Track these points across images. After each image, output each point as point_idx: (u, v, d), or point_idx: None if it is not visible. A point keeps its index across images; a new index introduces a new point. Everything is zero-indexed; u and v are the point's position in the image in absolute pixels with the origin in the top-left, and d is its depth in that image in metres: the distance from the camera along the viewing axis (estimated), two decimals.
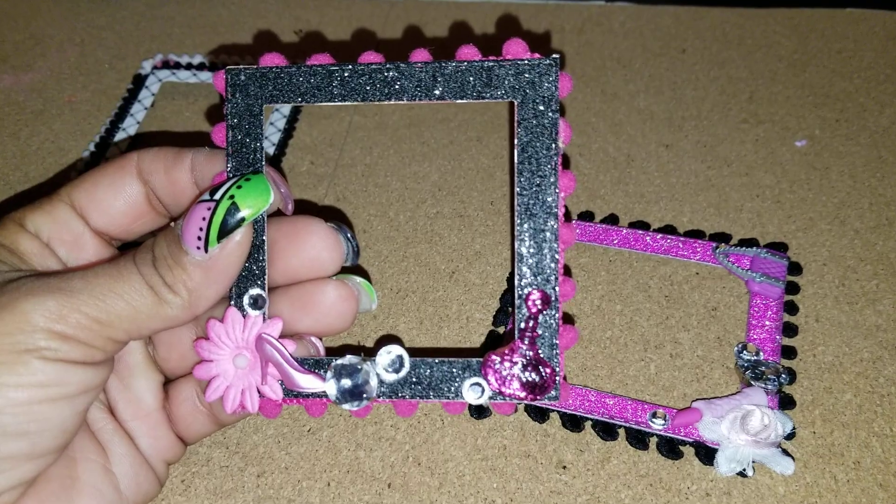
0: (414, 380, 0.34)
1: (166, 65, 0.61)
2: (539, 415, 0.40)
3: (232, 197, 0.32)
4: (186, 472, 0.39)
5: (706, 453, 0.38)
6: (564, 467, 0.39)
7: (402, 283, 0.47)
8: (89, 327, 0.30)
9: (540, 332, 0.33)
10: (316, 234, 0.36)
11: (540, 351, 0.33)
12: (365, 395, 0.34)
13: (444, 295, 0.47)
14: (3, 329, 0.28)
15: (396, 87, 0.34)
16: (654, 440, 0.39)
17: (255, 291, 0.34)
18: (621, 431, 0.40)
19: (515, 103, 0.33)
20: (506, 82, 0.33)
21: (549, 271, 0.33)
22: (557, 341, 0.33)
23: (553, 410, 0.40)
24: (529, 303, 0.33)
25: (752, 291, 0.44)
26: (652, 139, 0.55)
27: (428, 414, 0.41)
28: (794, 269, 0.46)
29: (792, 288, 0.45)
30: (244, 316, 0.34)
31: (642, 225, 0.48)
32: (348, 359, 0.34)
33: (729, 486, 0.38)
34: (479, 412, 0.41)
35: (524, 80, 0.33)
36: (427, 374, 0.34)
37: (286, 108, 0.57)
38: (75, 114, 0.60)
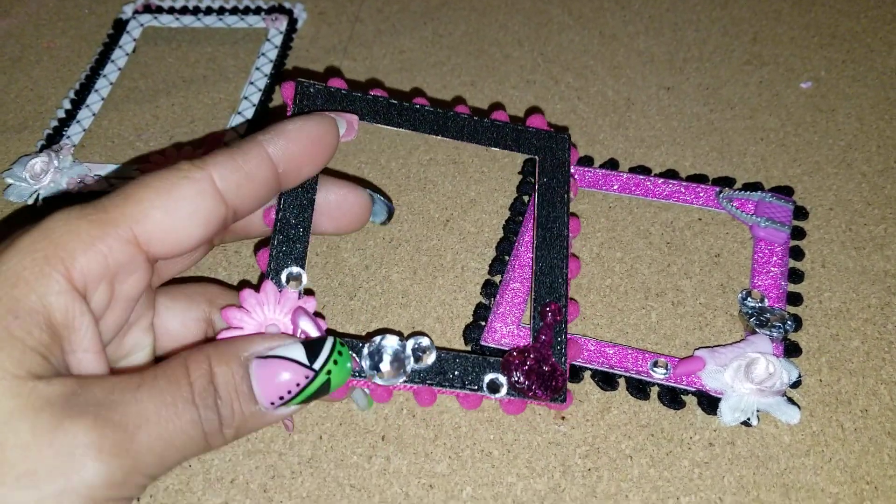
0: (438, 370, 0.36)
1: (148, 9, 0.59)
2: None
3: (329, 372, 0.31)
4: None
5: (709, 403, 0.37)
6: (563, 418, 0.38)
7: (395, 232, 0.46)
8: (141, 485, 0.28)
9: (551, 339, 0.37)
10: (346, 188, 0.38)
11: (553, 356, 0.37)
12: (402, 372, 0.35)
13: (438, 244, 0.45)
14: (59, 485, 0.26)
15: (443, 127, 0.39)
16: (655, 390, 0.38)
17: (294, 269, 0.35)
18: (621, 381, 0.38)
19: (538, 159, 0.41)
20: (531, 143, 0.41)
21: (560, 291, 0.38)
22: (566, 351, 0.37)
23: None
24: (547, 312, 0.37)
25: (756, 237, 0.43)
26: (652, 82, 0.53)
27: None
28: (800, 213, 0.44)
29: (798, 233, 0.43)
30: (280, 290, 0.34)
31: (643, 170, 0.47)
32: (388, 338, 0.35)
33: (733, 436, 0.37)
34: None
35: (545, 145, 0.41)
36: (450, 366, 0.36)
37: (272, 53, 0.55)
38: (54, 60, 0.58)
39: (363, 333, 0.41)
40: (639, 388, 0.38)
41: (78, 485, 0.25)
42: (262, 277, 0.34)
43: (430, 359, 0.35)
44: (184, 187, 0.30)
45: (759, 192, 0.44)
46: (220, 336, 0.33)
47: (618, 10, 0.58)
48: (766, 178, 0.46)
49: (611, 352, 0.39)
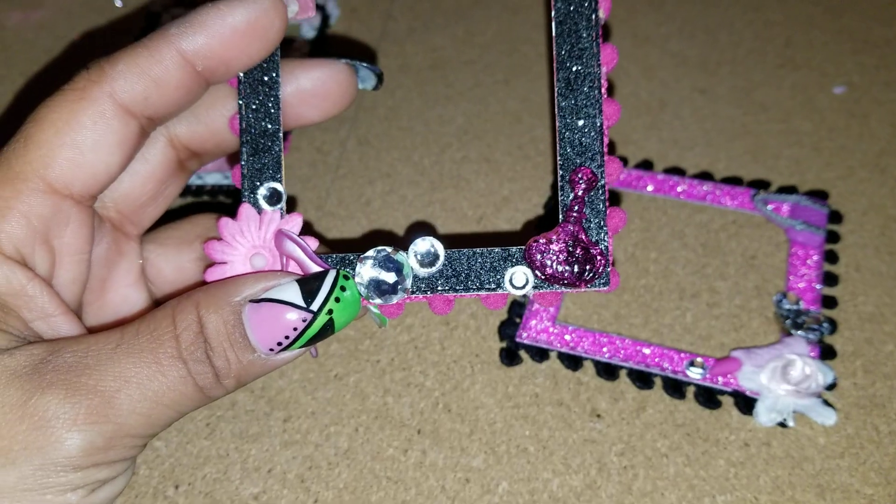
0: (450, 273, 0.31)
1: (179, 2, 0.59)
2: (572, 363, 0.39)
3: (330, 312, 0.28)
4: (211, 415, 0.38)
5: (746, 403, 0.37)
6: (599, 416, 0.38)
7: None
8: (133, 446, 0.27)
9: (586, 214, 0.31)
10: (319, 69, 0.33)
11: (587, 234, 0.31)
12: (400, 288, 0.30)
13: (471, 242, 0.45)
14: (36, 461, 0.25)
15: None
16: (691, 389, 0.38)
17: (270, 185, 0.31)
18: (657, 380, 0.39)
19: None
20: None
21: (593, 149, 0.31)
22: (606, 224, 0.31)
23: (587, 359, 0.39)
24: (578, 182, 0.30)
25: (791, 240, 0.43)
26: (686, 84, 0.53)
27: (457, 361, 0.40)
28: (835, 217, 0.44)
29: (832, 237, 0.44)
30: (259, 212, 0.31)
31: (677, 171, 0.47)
32: (379, 250, 0.30)
33: (769, 437, 0.37)
34: (509, 358, 0.40)
35: None
36: (464, 265, 0.31)
37: (305, 49, 0.56)
38: (86, 52, 0.58)
39: (385, 324, 0.42)
40: (675, 388, 0.38)
41: (57, 457, 0.25)
42: (239, 198, 0.32)
43: (439, 263, 0.31)
44: (83, 113, 0.27)
45: (794, 196, 0.44)
46: (205, 274, 0.30)
47: (651, 13, 0.58)
48: (801, 182, 0.46)
49: (647, 351, 0.39)
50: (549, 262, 0.30)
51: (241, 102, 0.31)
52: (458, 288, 0.31)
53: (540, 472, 0.36)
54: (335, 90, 0.33)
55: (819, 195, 0.45)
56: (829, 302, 0.41)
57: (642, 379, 0.38)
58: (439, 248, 0.31)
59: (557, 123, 0.31)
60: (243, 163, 0.31)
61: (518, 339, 0.40)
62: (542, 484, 0.36)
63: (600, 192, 0.30)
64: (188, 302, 0.28)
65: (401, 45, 0.57)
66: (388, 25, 0.59)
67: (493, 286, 0.31)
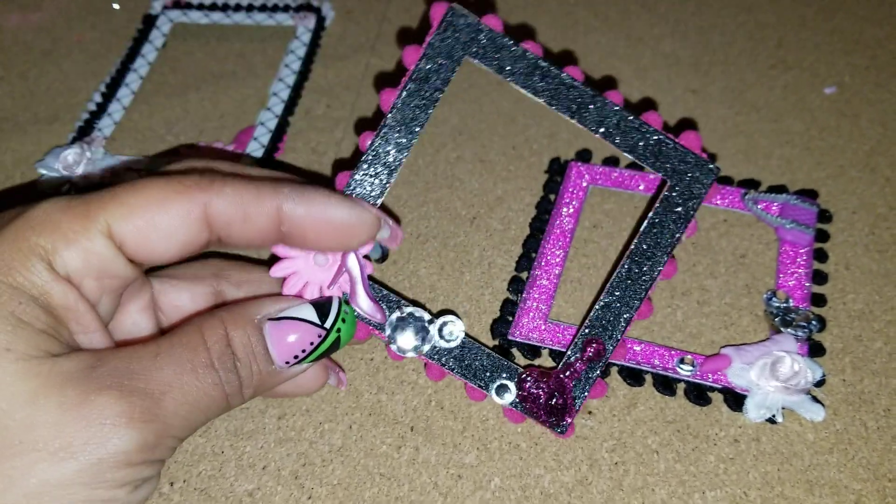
0: (458, 356, 0.37)
1: (177, 4, 0.60)
2: None
3: (339, 330, 0.33)
4: None
5: (735, 399, 0.38)
6: (590, 413, 0.38)
7: (423, 228, 0.46)
8: (171, 447, 0.29)
9: (580, 375, 0.36)
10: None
11: (572, 390, 0.36)
12: (416, 348, 0.36)
13: (465, 240, 0.46)
14: (94, 456, 0.27)
15: (581, 110, 0.36)
16: (681, 386, 0.39)
17: None
18: (648, 378, 0.39)
19: (669, 183, 0.36)
20: (670, 162, 0.36)
21: (615, 335, 0.36)
22: (589, 390, 0.36)
23: None
24: (589, 347, 0.36)
25: (781, 239, 0.43)
26: (678, 84, 0.53)
27: None
28: (824, 216, 0.45)
29: (821, 235, 0.44)
30: None
31: None
32: (420, 312, 0.37)
33: (758, 433, 0.37)
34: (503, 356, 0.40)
35: (685, 170, 0.36)
36: (470, 356, 0.37)
37: (301, 51, 0.56)
38: (84, 54, 0.58)
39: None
40: (665, 385, 0.38)
41: (114, 452, 0.27)
42: None
43: (454, 344, 0.37)
44: (173, 204, 0.29)
45: (784, 195, 0.44)
46: (272, 270, 0.34)
47: (644, 14, 0.58)
48: (791, 181, 0.47)
49: (637, 348, 0.39)
50: (532, 394, 0.36)
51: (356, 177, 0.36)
52: (454, 368, 0.37)
53: (532, 468, 0.37)
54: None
55: (809, 194, 0.46)
56: (819, 300, 0.41)
57: (633, 376, 0.39)
58: (461, 334, 0.37)
59: (603, 297, 0.36)
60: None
61: (510, 337, 0.40)
62: (534, 480, 0.36)
63: (600, 363, 0.36)
64: (214, 319, 0.31)
65: (396, 46, 0.57)
66: (382, 27, 0.59)
67: (481, 384, 0.37)
